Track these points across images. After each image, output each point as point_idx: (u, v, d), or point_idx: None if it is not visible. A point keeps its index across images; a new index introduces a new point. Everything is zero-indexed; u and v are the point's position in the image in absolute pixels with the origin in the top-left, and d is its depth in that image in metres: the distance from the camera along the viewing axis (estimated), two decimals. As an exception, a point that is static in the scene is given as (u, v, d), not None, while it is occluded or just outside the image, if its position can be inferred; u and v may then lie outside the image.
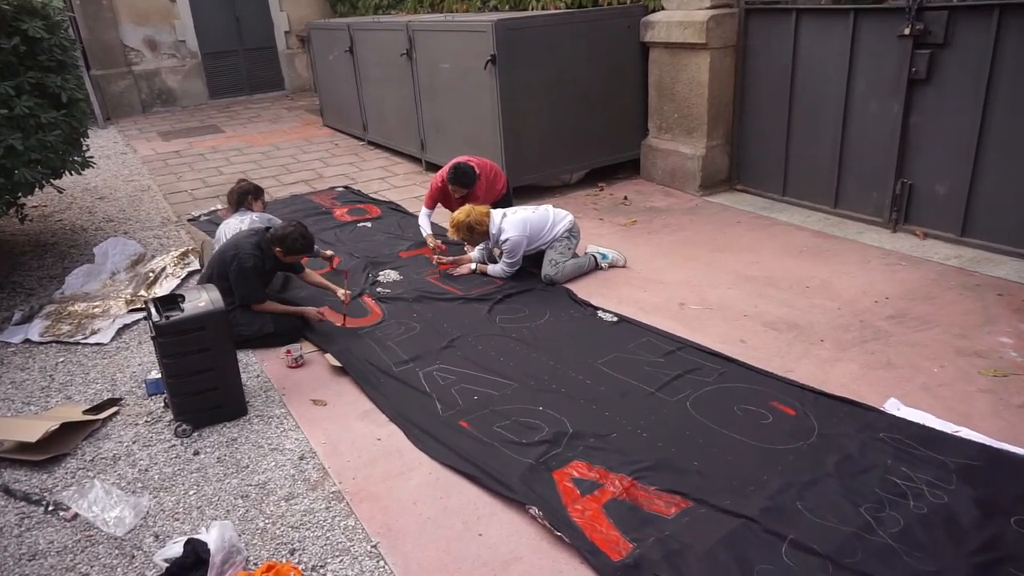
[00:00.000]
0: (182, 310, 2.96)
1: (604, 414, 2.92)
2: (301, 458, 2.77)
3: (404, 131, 6.99)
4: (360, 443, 2.82)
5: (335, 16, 11.07)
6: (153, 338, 2.93)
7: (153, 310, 2.97)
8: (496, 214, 4.23)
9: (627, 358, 3.32)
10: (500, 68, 5.18)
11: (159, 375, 3.21)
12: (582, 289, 4.10)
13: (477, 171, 4.63)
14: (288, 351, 3.48)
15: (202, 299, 3.01)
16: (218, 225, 5.71)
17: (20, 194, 4.19)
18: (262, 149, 8.74)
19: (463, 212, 4.21)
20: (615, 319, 3.75)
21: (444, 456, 2.71)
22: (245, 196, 4.34)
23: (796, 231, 4.48)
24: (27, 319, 4.04)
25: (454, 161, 4.61)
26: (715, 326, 3.48)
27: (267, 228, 3.86)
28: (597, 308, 3.87)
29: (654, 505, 2.32)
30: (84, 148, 5.13)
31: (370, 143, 8.44)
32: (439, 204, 4.75)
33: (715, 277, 4.02)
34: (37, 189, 4.43)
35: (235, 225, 4.12)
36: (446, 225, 4.72)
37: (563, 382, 3.17)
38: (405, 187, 6.75)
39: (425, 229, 4.63)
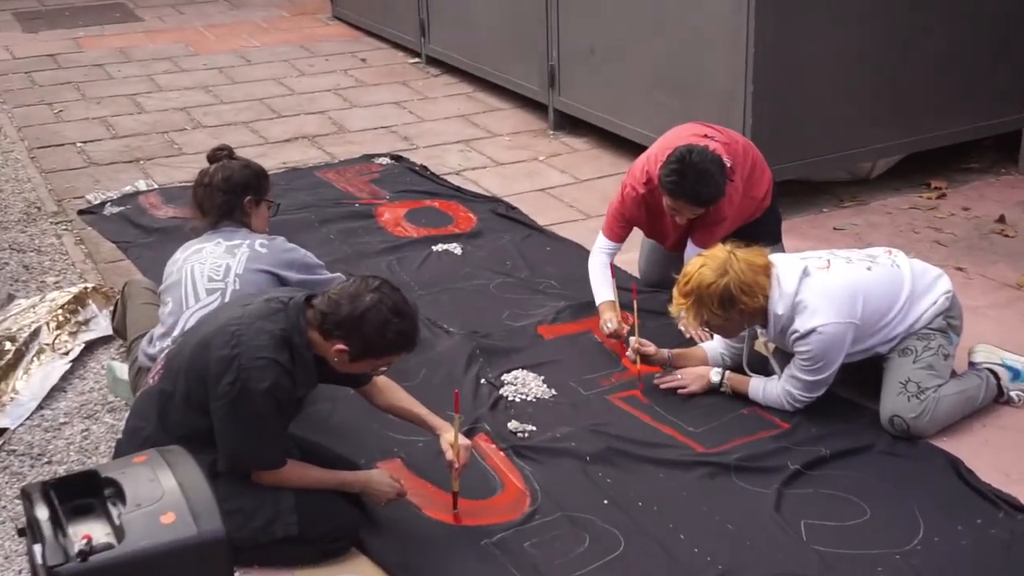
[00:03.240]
0: (116, 526, 2.42)
1: None
2: None
3: (511, 48, 7.00)
4: None
5: None
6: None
7: (42, 519, 2.44)
8: (787, 268, 3.71)
9: None
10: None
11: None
12: (978, 454, 3.61)
13: (728, 163, 4.07)
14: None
15: (162, 490, 2.53)
16: (141, 228, 5.38)
17: None
18: (217, 60, 8.47)
19: (715, 266, 3.63)
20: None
21: None
22: (237, 196, 3.95)
23: None
24: None
25: (674, 141, 4.16)
26: None
27: (307, 297, 3.16)
28: (1043, 520, 3.38)
29: None
30: None
31: (432, 61, 8.15)
32: (632, 231, 4.46)
33: None
34: None
35: (209, 265, 3.76)
36: (632, 270, 4.75)
37: None
38: (517, 164, 6.32)
39: (603, 290, 4.30)
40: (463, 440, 3.34)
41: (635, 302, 4.12)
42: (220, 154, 4.10)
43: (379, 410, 3.49)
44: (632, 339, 4.00)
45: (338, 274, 4.03)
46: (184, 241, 3.99)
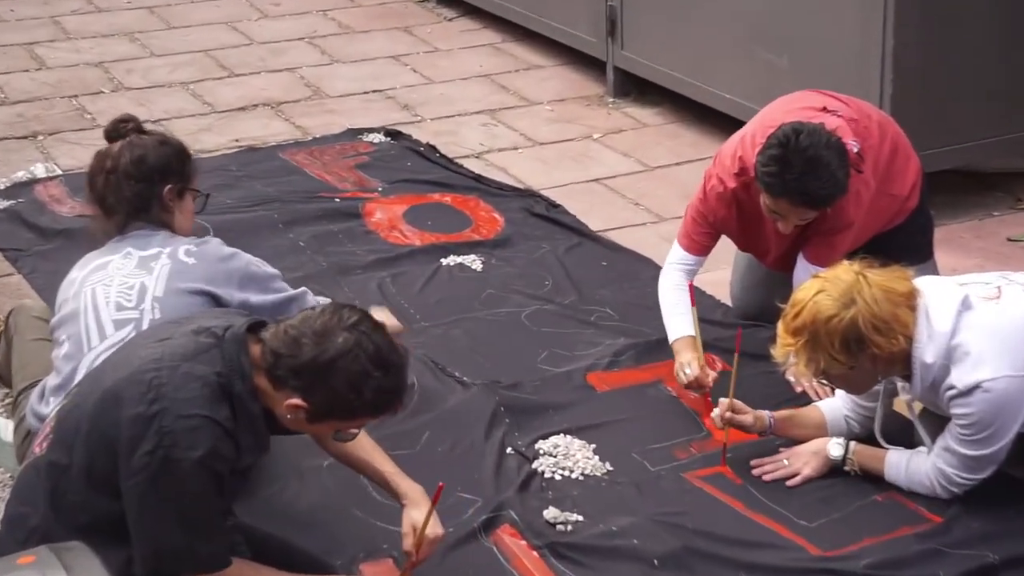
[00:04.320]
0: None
1: None
2: None
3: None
4: None
5: None
6: None
7: None
8: (940, 297, 3.71)
9: None
10: None
11: None
12: None
13: (853, 147, 4.10)
14: None
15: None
16: (37, 231, 5.47)
17: None
18: (147, -1, 8.64)
19: (837, 292, 3.61)
20: None
21: None
22: (154, 185, 3.95)
23: None
24: None
25: (779, 116, 4.23)
26: None
27: (251, 324, 3.19)
28: None
29: None
30: None
31: (446, 0, 8.29)
32: (720, 241, 4.51)
33: None
34: None
35: (117, 287, 3.81)
36: (722, 295, 4.65)
37: None
38: (563, 144, 6.39)
39: (678, 322, 4.34)
40: (434, 527, 3.35)
41: (736, 356, 4.05)
42: (124, 128, 4.08)
43: (334, 458, 3.55)
44: (723, 401, 3.97)
45: (303, 289, 4.03)
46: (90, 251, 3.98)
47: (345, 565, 3.52)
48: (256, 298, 3.81)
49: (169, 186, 3.95)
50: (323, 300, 4.02)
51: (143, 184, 3.93)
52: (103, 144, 4.13)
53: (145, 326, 3.62)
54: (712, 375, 4.13)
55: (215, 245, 3.93)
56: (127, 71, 7.23)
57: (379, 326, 3.13)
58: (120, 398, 3.06)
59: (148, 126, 5.74)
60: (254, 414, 3.11)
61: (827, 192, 3.98)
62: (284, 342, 3.05)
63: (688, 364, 4.16)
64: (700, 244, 4.38)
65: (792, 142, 3.94)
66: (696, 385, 4.14)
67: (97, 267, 3.84)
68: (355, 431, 3.23)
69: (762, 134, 4.10)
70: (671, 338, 4.30)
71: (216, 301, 3.72)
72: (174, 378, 3.04)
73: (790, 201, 4.00)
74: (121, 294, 3.72)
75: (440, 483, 3.39)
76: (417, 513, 3.32)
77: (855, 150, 4.08)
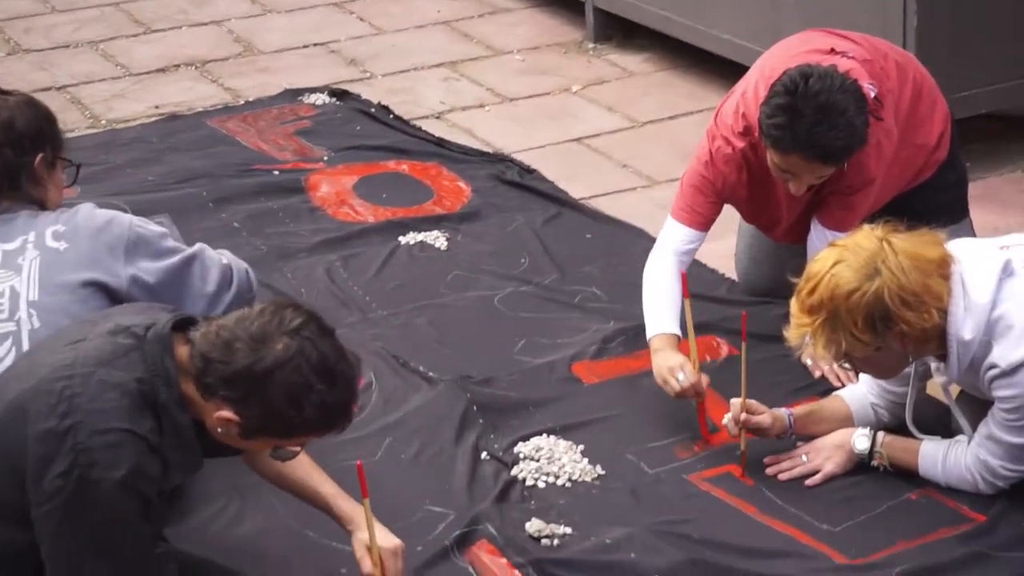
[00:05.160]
0: None
1: None
2: None
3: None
4: None
5: None
6: None
7: None
8: (978, 263, 3.71)
9: None
10: None
11: None
12: None
13: (871, 91, 4.12)
14: None
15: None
16: None
17: None
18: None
19: (858, 262, 3.60)
20: None
21: None
22: (27, 153, 3.89)
23: None
24: None
25: (784, 59, 4.24)
26: None
27: (175, 320, 3.18)
28: None
29: None
30: None
31: None
32: (722, 211, 4.47)
33: None
34: None
35: None
36: (725, 268, 4.51)
37: None
38: (537, 100, 6.43)
39: (661, 315, 4.30)
40: (386, 539, 3.37)
41: (744, 344, 4.03)
42: None
43: (267, 481, 3.54)
44: (735, 402, 3.96)
45: (199, 245, 3.92)
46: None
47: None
48: (149, 266, 3.74)
49: (41, 155, 3.90)
50: (224, 254, 3.99)
51: (16, 152, 3.88)
52: None
53: (25, 340, 3.57)
54: (705, 380, 4.10)
55: (86, 213, 3.85)
56: (25, 30, 7.20)
57: (327, 330, 3.13)
58: (26, 412, 3.05)
59: (53, 94, 5.78)
60: (182, 426, 3.10)
61: (844, 143, 3.98)
62: (215, 345, 3.04)
63: (680, 368, 4.08)
64: (703, 216, 4.35)
65: (801, 88, 3.94)
66: (692, 393, 4.08)
67: None
68: (296, 449, 3.23)
69: (764, 85, 4.10)
70: (650, 333, 4.25)
71: (104, 289, 3.66)
72: (88, 387, 3.03)
73: (803, 156, 4.00)
74: None
75: (358, 461, 3.35)
76: (365, 535, 3.33)
77: (872, 94, 4.09)
